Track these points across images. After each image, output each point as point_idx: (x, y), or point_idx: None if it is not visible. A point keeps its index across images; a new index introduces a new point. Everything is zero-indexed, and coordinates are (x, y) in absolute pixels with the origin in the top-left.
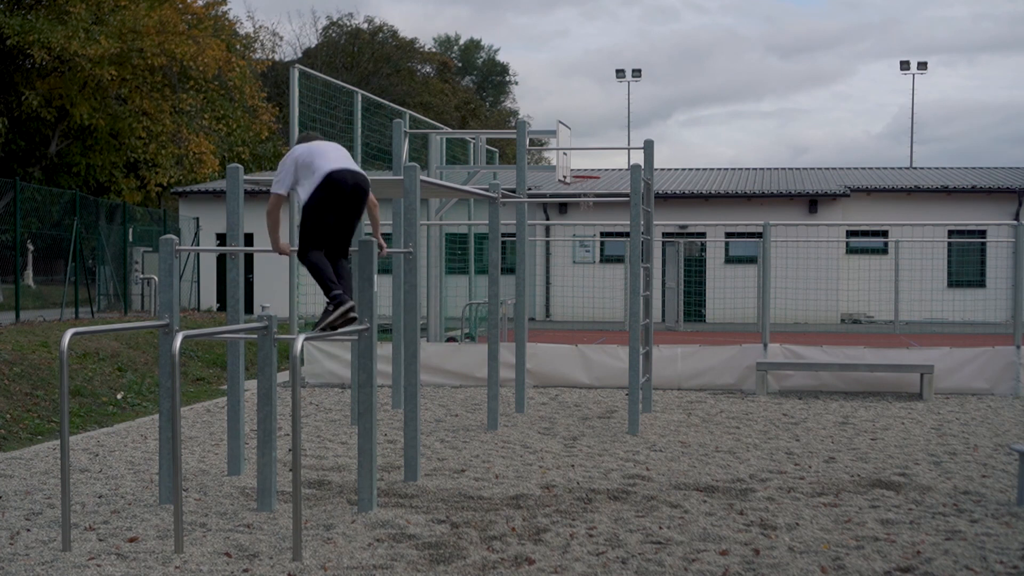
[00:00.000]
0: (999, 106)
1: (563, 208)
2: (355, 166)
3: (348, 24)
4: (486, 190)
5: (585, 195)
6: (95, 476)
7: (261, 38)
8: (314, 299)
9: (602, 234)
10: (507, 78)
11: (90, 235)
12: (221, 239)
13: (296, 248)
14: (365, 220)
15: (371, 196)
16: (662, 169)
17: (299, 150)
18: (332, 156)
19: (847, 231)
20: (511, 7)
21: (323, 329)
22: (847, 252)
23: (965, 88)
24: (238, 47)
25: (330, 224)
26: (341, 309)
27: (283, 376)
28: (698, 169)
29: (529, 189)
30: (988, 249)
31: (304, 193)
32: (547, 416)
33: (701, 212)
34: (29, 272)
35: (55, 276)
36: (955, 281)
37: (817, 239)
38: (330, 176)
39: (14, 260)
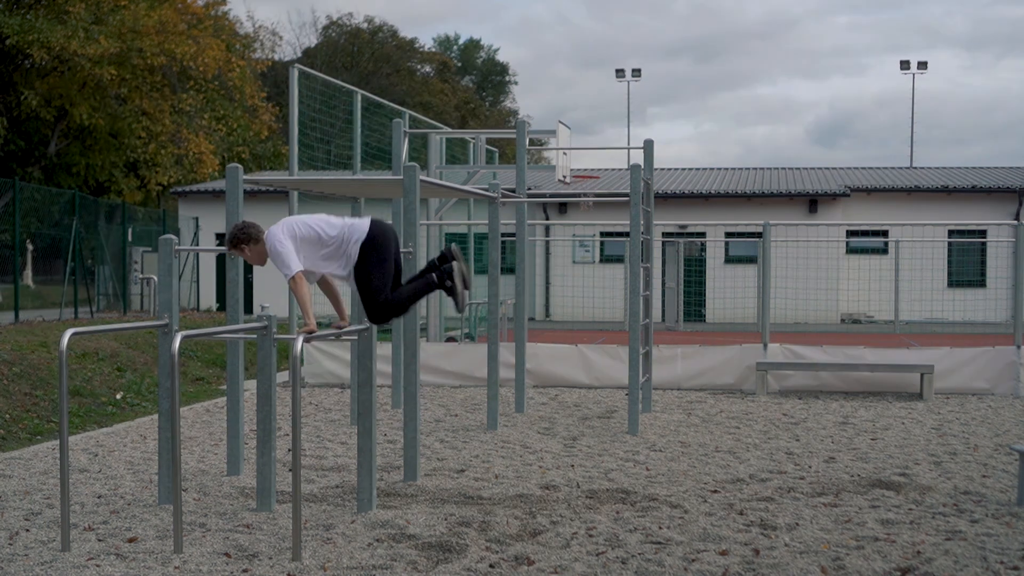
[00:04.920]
0: (1000, 106)
1: (563, 208)
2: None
3: (348, 24)
4: (486, 190)
5: (585, 195)
6: (94, 476)
7: (261, 38)
8: (314, 299)
9: (602, 234)
10: (507, 78)
11: (89, 235)
12: (221, 239)
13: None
14: None
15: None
16: (662, 169)
17: (296, 225)
18: (348, 219)
19: (847, 231)
20: (512, 3)
21: (455, 287)
22: (847, 252)
23: (966, 87)
24: (238, 47)
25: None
26: (457, 272)
27: (283, 376)
28: (698, 169)
29: (529, 189)
30: (988, 249)
31: (355, 248)
32: (547, 416)
33: (701, 212)
34: (28, 272)
35: (54, 276)
36: (955, 281)
37: (817, 239)
38: (376, 228)
39: (13, 260)
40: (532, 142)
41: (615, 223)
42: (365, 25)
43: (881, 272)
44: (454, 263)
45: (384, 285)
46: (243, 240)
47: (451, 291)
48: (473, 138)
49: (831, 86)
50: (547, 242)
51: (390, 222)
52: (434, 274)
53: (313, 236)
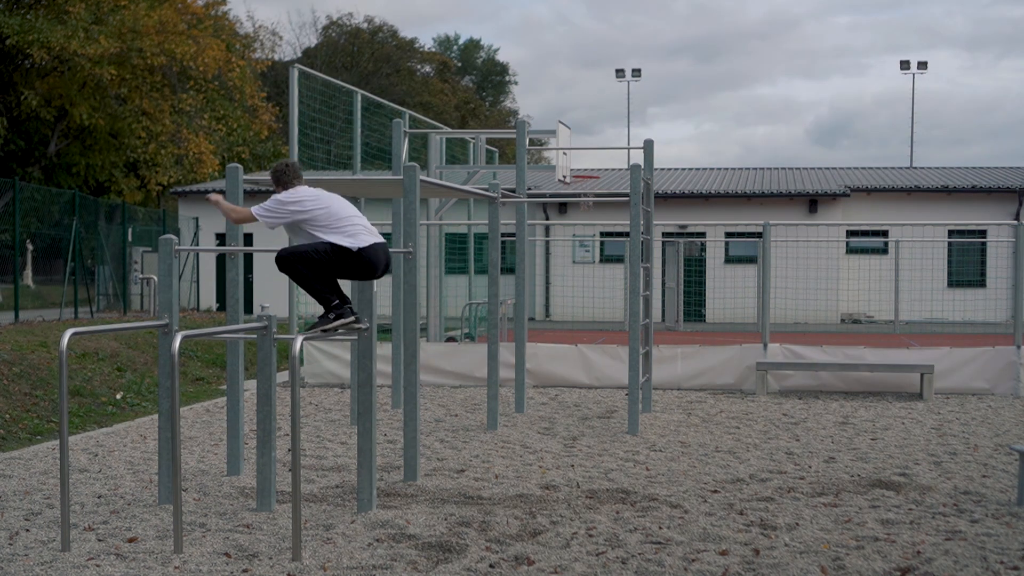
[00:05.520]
0: (1000, 106)
1: (563, 208)
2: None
3: (348, 24)
4: (486, 190)
5: (585, 195)
6: (94, 476)
7: (261, 38)
8: (301, 298)
9: (602, 234)
10: (507, 78)
11: (89, 235)
12: (221, 239)
13: (283, 251)
14: None
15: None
16: (662, 169)
17: (307, 196)
18: (359, 221)
19: (847, 231)
20: (512, 3)
21: (322, 331)
22: (847, 252)
23: (966, 87)
24: (238, 47)
25: (339, 276)
26: (344, 320)
27: (283, 376)
28: (698, 169)
29: (529, 189)
30: (988, 249)
31: (330, 239)
32: (547, 416)
33: (701, 212)
34: (28, 272)
35: (54, 276)
36: (955, 281)
37: (817, 239)
38: (366, 252)
39: (13, 260)
40: (532, 142)
41: (615, 223)
42: (365, 25)
43: (881, 272)
44: (350, 314)
45: (320, 273)
46: (274, 182)
47: (330, 316)
48: (473, 138)
49: (831, 86)
50: (547, 242)
51: (386, 251)
52: (338, 302)
53: (322, 218)
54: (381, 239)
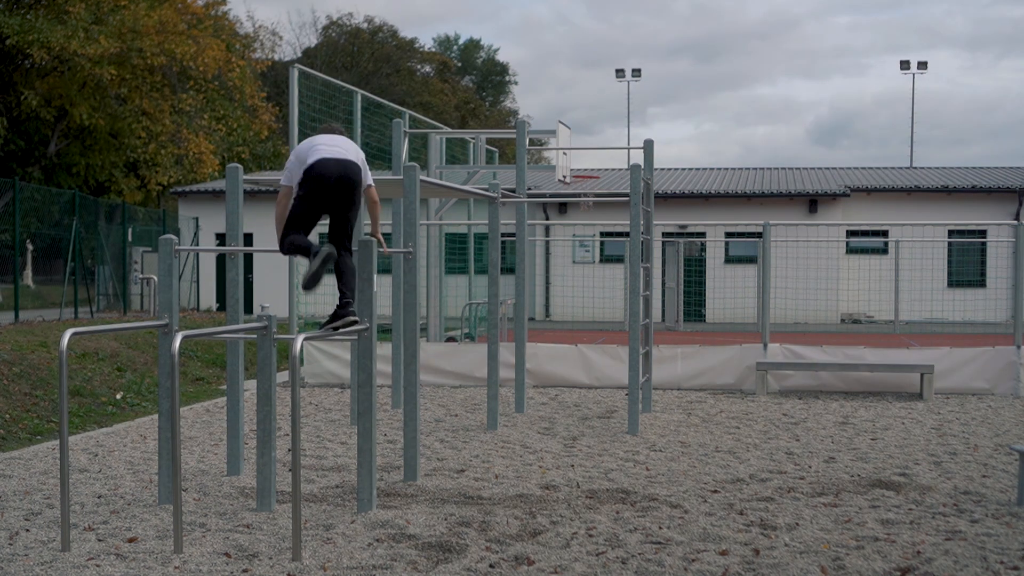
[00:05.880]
0: (1000, 106)
1: (563, 208)
2: (347, 155)
3: (348, 24)
4: (486, 190)
5: (585, 195)
6: (94, 476)
7: (261, 38)
8: (314, 299)
9: (602, 234)
10: (507, 78)
11: (89, 235)
12: (221, 239)
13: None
14: (365, 219)
15: (372, 193)
16: (662, 169)
17: (303, 143)
18: (323, 148)
19: (847, 231)
20: (512, 3)
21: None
22: (847, 252)
23: (966, 87)
24: (238, 47)
25: (314, 218)
26: (344, 320)
27: (283, 376)
28: (698, 169)
29: (529, 189)
30: (988, 249)
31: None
32: (547, 416)
33: (701, 212)
34: (28, 272)
35: (54, 276)
36: (955, 281)
37: (817, 239)
38: (312, 168)
39: (13, 260)
40: (532, 142)
41: (615, 223)
42: (365, 25)
43: (881, 272)
44: (326, 251)
45: (294, 219)
46: None
47: (313, 258)
48: (473, 138)
49: (831, 86)
50: (547, 242)
51: (336, 167)
52: (318, 247)
53: (303, 154)
54: (338, 156)
